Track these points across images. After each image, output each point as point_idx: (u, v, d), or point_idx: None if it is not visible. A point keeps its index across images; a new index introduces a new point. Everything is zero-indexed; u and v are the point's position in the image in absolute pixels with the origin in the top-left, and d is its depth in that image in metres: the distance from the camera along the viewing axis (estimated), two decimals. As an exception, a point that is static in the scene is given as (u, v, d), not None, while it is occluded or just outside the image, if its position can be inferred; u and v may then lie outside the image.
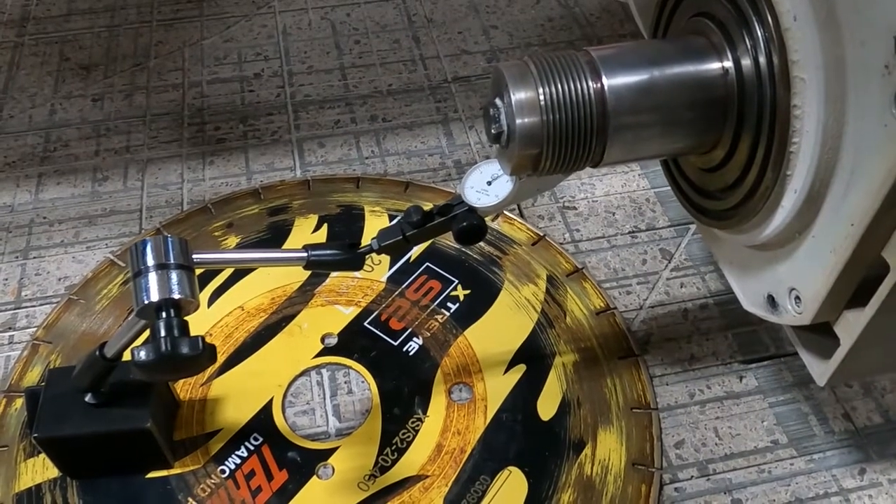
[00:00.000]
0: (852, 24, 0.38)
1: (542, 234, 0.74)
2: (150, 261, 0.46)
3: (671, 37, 0.54)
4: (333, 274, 0.70)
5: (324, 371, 0.65)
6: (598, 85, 0.45)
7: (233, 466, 0.58)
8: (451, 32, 0.98)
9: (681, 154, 0.54)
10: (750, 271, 0.53)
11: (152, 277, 0.45)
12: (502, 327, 0.67)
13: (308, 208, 0.76)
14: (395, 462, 0.59)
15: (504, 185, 0.52)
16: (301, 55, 0.95)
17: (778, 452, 0.61)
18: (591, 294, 0.69)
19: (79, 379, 0.53)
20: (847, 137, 0.40)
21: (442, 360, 0.64)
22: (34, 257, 0.74)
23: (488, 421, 0.61)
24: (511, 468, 0.58)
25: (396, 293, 0.69)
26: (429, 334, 0.66)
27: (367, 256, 0.54)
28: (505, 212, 0.75)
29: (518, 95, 0.45)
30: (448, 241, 0.72)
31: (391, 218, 0.75)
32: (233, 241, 0.74)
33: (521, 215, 0.77)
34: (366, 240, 0.54)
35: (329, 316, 0.67)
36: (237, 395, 0.62)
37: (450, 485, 0.58)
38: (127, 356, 0.46)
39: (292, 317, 0.67)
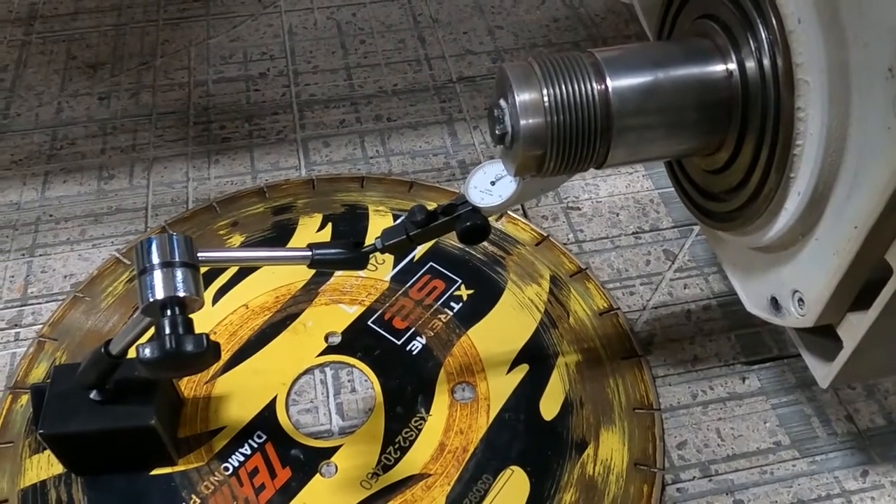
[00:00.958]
0: (856, 27, 0.38)
1: (545, 235, 0.74)
2: (156, 259, 0.46)
3: (675, 38, 0.54)
4: (337, 273, 0.70)
5: (327, 369, 0.65)
6: (602, 86, 0.45)
7: (236, 464, 0.59)
8: (457, 32, 0.98)
9: (684, 156, 0.54)
10: (753, 273, 0.53)
11: (157, 275, 0.46)
12: (505, 327, 0.67)
13: (312, 207, 0.76)
14: (397, 461, 0.59)
15: (507, 186, 0.52)
16: (307, 55, 0.95)
17: (780, 454, 0.61)
18: (595, 294, 0.70)
19: (84, 376, 0.54)
20: (850, 140, 0.41)
21: (445, 360, 0.65)
22: (40, 255, 0.74)
23: (491, 420, 0.61)
24: (513, 467, 0.59)
25: (400, 292, 0.69)
26: (432, 333, 0.66)
27: (370, 256, 0.54)
28: (509, 212, 0.76)
29: (522, 96, 0.45)
30: (452, 240, 0.72)
31: (395, 217, 0.75)
32: (237, 239, 0.74)
33: (525, 215, 0.77)
34: (370, 239, 0.54)
35: (333, 314, 0.68)
36: (241, 392, 0.63)
37: (452, 484, 0.58)
38: (132, 353, 0.46)
39: (296, 315, 0.68)
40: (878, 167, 0.38)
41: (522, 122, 0.45)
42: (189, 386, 0.63)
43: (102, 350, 0.51)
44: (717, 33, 0.48)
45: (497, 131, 0.47)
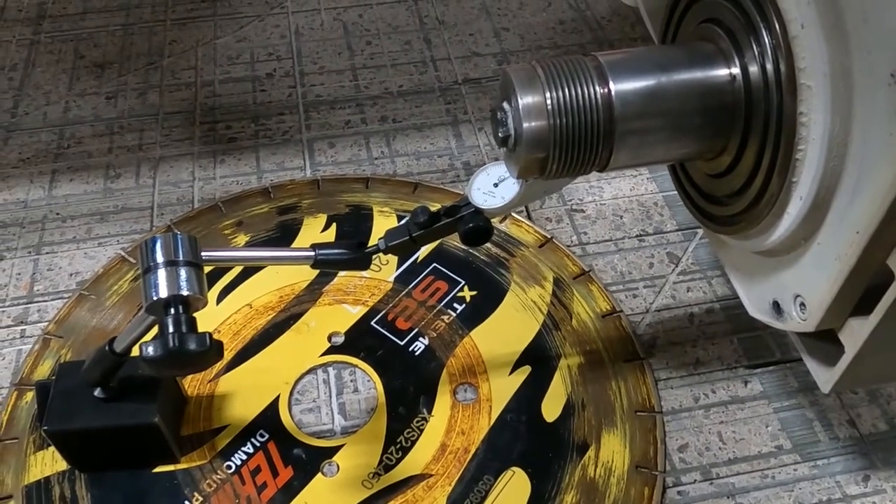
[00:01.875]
0: (859, 33, 0.38)
1: (549, 237, 0.74)
2: (160, 258, 0.46)
3: (679, 42, 0.54)
4: (341, 273, 0.71)
5: (330, 369, 0.65)
6: (606, 90, 0.45)
7: (239, 462, 0.59)
8: (463, 34, 0.99)
9: (687, 159, 0.54)
10: (755, 277, 0.53)
11: (161, 274, 0.46)
12: (508, 328, 0.67)
13: (317, 208, 0.77)
14: (399, 461, 0.59)
15: (511, 188, 0.52)
16: (313, 55, 0.96)
17: (782, 458, 0.61)
18: (598, 297, 0.70)
19: (88, 373, 0.54)
20: (853, 145, 0.41)
21: (447, 361, 0.65)
22: (46, 253, 0.75)
23: (493, 421, 0.61)
24: (514, 469, 0.59)
25: (403, 293, 0.70)
26: (435, 334, 0.67)
27: (374, 256, 0.54)
28: (513, 213, 0.76)
29: (525, 99, 0.45)
30: (456, 242, 0.72)
31: (400, 218, 0.76)
32: (242, 239, 0.74)
33: (529, 217, 0.77)
34: (374, 240, 0.54)
35: (336, 315, 0.68)
36: (244, 391, 0.63)
37: (453, 484, 0.58)
38: (136, 352, 0.47)
39: (300, 315, 0.68)
40: (880, 173, 0.38)
41: (525, 125, 0.45)
42: (192, 384, 0.63)
43: (107, 348, 0.52)
44: (721, 37, 0.48)
45: (500, 134, 0.47)
